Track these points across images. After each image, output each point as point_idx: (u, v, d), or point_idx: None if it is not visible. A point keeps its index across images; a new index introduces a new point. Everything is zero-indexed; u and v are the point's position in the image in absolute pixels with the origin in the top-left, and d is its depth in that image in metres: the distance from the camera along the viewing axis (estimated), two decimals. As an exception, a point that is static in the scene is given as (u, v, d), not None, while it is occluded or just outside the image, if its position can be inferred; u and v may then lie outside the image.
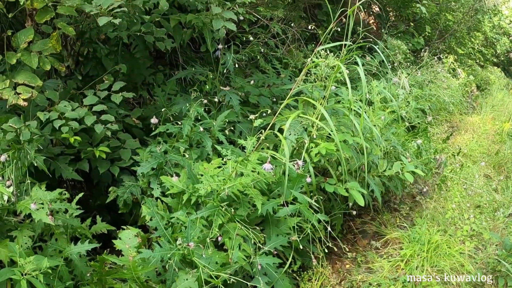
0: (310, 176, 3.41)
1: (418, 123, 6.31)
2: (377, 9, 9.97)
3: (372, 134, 4.26)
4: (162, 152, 3.35)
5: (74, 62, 4.13)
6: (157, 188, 3.28)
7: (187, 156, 3.33)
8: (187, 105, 3.60)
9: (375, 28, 9.95)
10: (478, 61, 12.26)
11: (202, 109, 3.46)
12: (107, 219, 4.12)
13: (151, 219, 2.92)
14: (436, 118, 8.57)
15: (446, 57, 9.84)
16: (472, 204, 5.54)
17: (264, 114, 4.23)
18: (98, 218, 3.53)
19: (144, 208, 3.16)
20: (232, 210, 2.90)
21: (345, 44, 3.56)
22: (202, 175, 2.90)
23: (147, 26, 3.83)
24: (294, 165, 2.91)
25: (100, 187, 4.02)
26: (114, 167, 3.64)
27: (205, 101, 3.47)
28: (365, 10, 9.66)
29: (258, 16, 6.02)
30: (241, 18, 4.01)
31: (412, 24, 9.32)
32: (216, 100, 3.61)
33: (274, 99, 4.69)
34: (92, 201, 4.26)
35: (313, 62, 3.72)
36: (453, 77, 9.64)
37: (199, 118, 3.63)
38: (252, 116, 2.98)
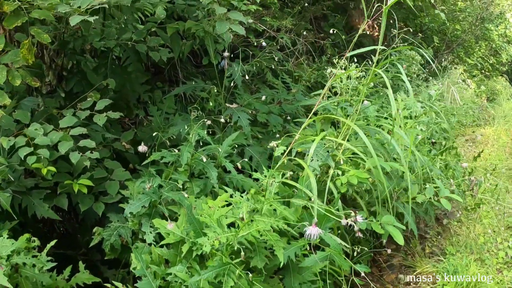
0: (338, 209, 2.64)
1: (439, 139, 5.53)
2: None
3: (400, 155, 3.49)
4: (156, 187, 2.56)
5: (56, 77, 3.37)
6: (150, 232, 2.49)
7: (186, 192, 2.54)
8: (186, 126, 2.82)
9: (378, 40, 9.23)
10: (485, 70, 11.54)
11: (205, 132, 2.68)
12: (96, 258, 3.35)
13: (140, 278, 2.13)
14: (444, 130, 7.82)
15: (455, 68, 9.12)
16: (504, 225, 4.78)
17: (278, 136, 3.47)
18: (81, 265, 2.75)
19: (133, 257, 2.37)
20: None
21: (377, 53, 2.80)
22: (206, 225, 2.11)
23: (139, 33, 3.08)
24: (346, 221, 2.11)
25: (86, 223, 3.25)
26: (98, 204, 2.85)
27: (209, 122, 2.69)
28: (372, 22, 8.97)
29: (264, 27, 5.29)
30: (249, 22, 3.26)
31: (420, 35, 8.60)
32: (222, 120, 2.84)
33: (286, 117, 3.92)
34: (81, 237, 3.50)
35: (342, 70, 2.96)
36: (463, 88, 8.91)
37: (202, 142, 2.85)
38: (273, 143, 2.20)
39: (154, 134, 3.01)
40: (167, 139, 2.91)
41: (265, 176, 2.26)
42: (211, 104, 3.23)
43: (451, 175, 4.51)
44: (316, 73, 5.09)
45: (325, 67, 5.25)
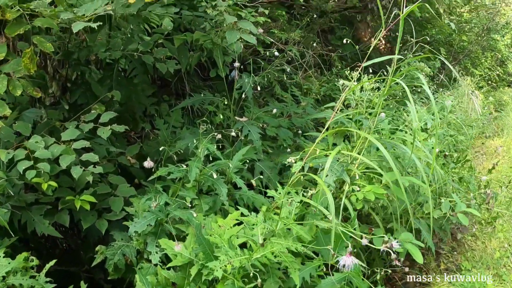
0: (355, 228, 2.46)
1: (451, 151, 5.34)
2: (389, 32, 9.14)
3: (416, 169, 3.32)
4: (162, 205, 2.38)
5: (60, 88, 3.22)
6: (156, 252, 2.31)
7: (195, 210, 2.36)
8: (195, 140, 2.66)
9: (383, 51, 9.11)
10: (492, 81, 11.35)
11: (215, 146, 2.50)
12: (99, 276, 3.19)
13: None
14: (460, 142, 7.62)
15: (463, 79, 8.94)
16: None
17: (289, 150, 3.31)
18: (83, 285, 2.58)
19: (138, 279, 2.20)
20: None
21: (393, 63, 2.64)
22: (217, 246, 1.93)
23: (145, 44, 2.93)
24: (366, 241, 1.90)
25: (88, 239, 3.09)
26: (101, 221, 2.68)
27: (218, 135, 2.51)
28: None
29: (272, 40, 5.15)
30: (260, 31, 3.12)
31: (426, 46, 8.44)
32: (233, 133, 2.67)
33: (296, 131, 3.75)
34: (83, 254, 3.33)
35: (354, 82, 2.80)
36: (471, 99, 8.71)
37: (211, 157, 2.68)
38: (291, 159, 2.03)
39: (161, 149, 2.85)
40: (174, 153, 2.74)
41: (279, 193, 2.08)
42: (220, 117, 3.06)
43: (465, 188, 4.33)
44: (326, 86, 4.93)
45: (335, 80, 5.10)
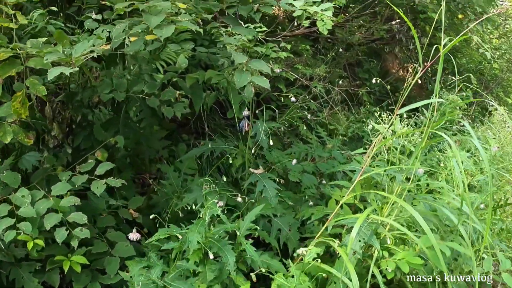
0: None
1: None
2: (416, 63, 8.67)
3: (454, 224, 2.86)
4: (158, 276, 2.00)
5: (62, 131, 2.92)
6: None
7: (198, 280, 1.97)
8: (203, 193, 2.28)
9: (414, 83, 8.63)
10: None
11: (221, 209, 2.11)
12: None
13: None
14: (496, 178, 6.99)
15: (496, 109, 8.35)
16: None
17: (311, 203, 2.91)
18: None
19: None
20: None
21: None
22: None
23: (150, 86, 2.61)
24: None
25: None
26: (94, 284, 2.32)
27: (221, 203, 2.13)
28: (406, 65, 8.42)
29: (296, 76, 4.80)
30: (277, 72, 2.77)
31: (454, 77, 7.93)
32: (239, 199, 2.28)
33: (321, 180, 3.35)
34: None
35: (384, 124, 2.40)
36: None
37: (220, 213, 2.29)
38: (301, 250, 1.63)
39: (167, 199, 2.50)
40: (180, 209, 2.38)
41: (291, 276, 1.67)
42: (233, 168, 2.69)
43: (505, 237, 3.81)
44: (353, 126, 4.51)
45: (363, 119, 4.69)
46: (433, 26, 3.02)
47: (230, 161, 2.63)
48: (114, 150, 3.04)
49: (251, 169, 2.66)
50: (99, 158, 2.64)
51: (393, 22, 6.60)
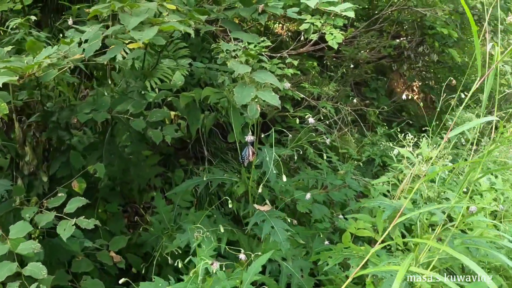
0: None
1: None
2: (423, 81, 8.28)
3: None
4: None
5: (37, 157, 2.46)
6: None
7: None
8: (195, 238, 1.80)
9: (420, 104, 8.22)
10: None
11: (215, 266, 1.63)
12: None
13: None
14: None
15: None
16: None
17: (326, 242, 2.43)
18: None
19: None
20: None
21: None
22: None
23: (136, 105, 2.15)
24: None
25: None
26: None
27: (215, 265, 1.64)
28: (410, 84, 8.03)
29: (303, 95, 4.36)
30: (286, 87, 2.31)
31: (466, 94, 7.49)
32: (242, 255, 1.81)
33: (334, 212, 2.87)
34: None
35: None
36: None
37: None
38: None
39: (157, 237, 2.02)
40: (168, 254, 1.90)
41: None
42: (233, 205, 2.19)
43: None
44: (370, 149, 4.01)
45: (377, 141, 4.22)
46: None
47: (230, 203, 2.11)
48: (97, 178, 2.58)
49: (255, 206, 2.16)
50: (76, 190, 2.18)
51: (401, 39, 6.21)
